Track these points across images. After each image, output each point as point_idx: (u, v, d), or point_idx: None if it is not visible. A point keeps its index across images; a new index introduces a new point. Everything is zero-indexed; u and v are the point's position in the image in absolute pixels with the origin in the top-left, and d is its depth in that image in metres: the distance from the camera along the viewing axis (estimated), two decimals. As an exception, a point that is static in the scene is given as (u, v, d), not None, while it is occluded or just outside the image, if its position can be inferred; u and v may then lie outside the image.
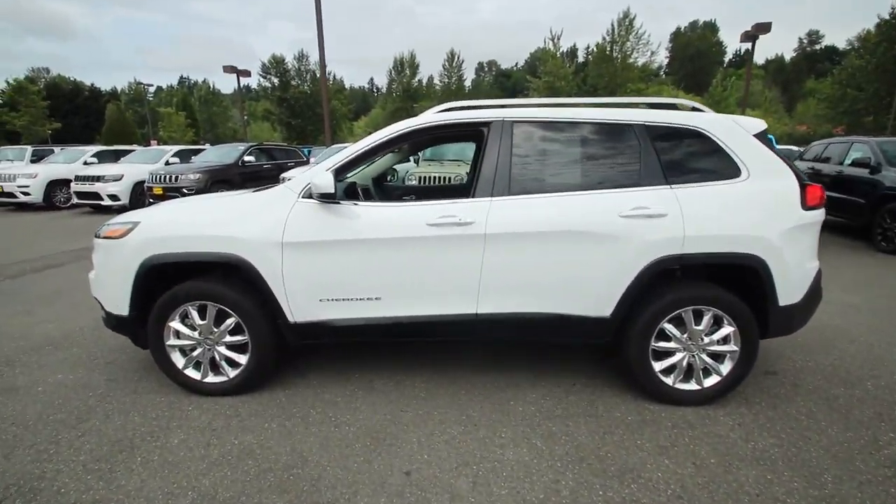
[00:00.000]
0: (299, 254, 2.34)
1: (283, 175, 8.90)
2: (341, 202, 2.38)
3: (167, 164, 11.40)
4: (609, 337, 2.44)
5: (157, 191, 9.78)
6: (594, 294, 2.37)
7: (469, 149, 10.23)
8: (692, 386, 2.47)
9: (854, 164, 7.32)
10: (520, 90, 57.82)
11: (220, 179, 10.12)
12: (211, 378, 2.55)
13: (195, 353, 2.54)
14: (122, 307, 2.48)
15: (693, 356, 2.44)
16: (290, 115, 41.23)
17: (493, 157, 2.39)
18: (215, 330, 2.49)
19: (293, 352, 2.95)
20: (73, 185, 10.72)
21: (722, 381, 2.45)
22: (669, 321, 2.39)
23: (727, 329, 2.39)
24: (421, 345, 3.22)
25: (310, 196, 2.37)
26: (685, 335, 2.41)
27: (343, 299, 2.41)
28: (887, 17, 28.53)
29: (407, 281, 2.38)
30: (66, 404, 2.52)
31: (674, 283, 2.43)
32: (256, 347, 2.47)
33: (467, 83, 51.91)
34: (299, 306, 2.41)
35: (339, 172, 2.45)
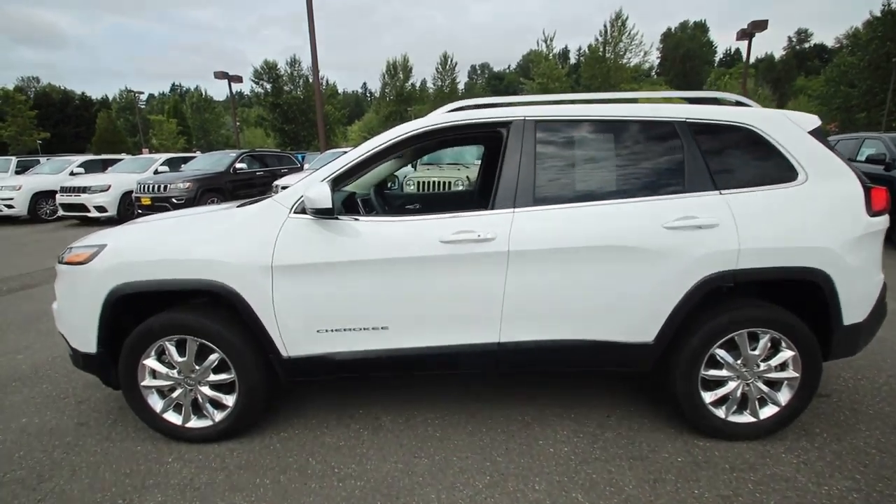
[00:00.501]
0: (292, 279, 2.02)
1: (276, 183, 8.57)
2: (340, 217, 2.06)
3: (156, 172, 11.02)
4: (651, 365, 2.13)
5: (146, 201, 9.42)
6: (635, 317, 2.06)
7: (468, 152, 9.98)
8: (747, 418, 2.16)
9: (868, 160, 7.09)
10: (512, 92, 57.81)
11: (211, 188, 9.77)
12: (194, 422, 2.21)
13: (175, 395, 2.20)
14: (89, 343, 2.14)
15: (748, 385, 2.14)
16: (284, 121, 40.88)
17: (514, 162, 2.08)
18: (197, 368, 2.16)
19: (287, 388, 2.62)
20: (58, 196, 10.32)
21: (780, 412, 2.15)
22: (721, 346, 2.09)
23: (786, 353, 2.09)
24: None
25: (303, 211, 2.05)
26: (739, 361, 2.11)
27: (345, 329, 2.08)
28: (878, 14, 28.65)
29: (419, 307, 2.06)
30: (28, 457, 2.17)
31: (726, 302, 2.12)
32: (244, 387, 2.14)
33: (461, 86, 51.75)
34: (294, 339, 2.09)
35: (337, 182, 2.13)
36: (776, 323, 2.04)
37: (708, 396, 2.14)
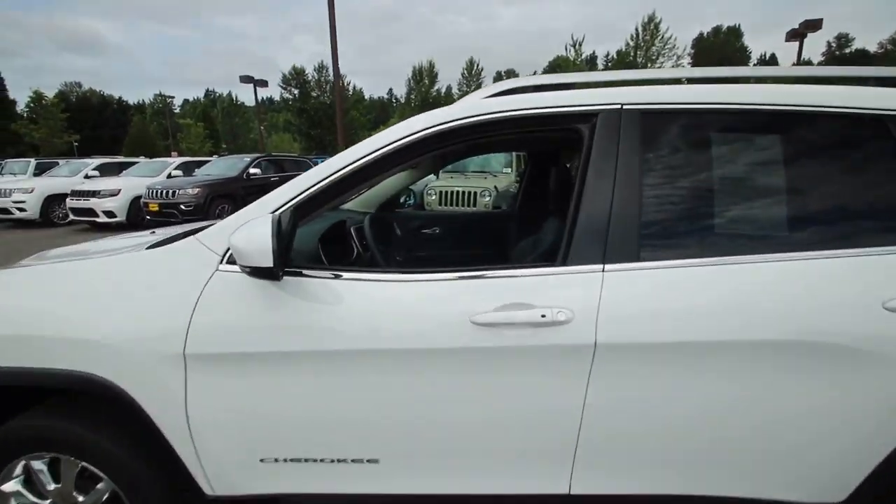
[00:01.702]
0: (220, 375, 1.20)
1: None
2: (307, 273, 1.22)
3: (169, 177, 10.59)
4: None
5: (153, 207, 8.93)
6: (816, 461, 1.15)
7: (494, 159, 8.96)
8: None
9: None
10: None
11: (222, 194, 9.22)
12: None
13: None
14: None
15: None
16: (310, 126, 41.04)
17: (604, 184, 1.19)
18: (80, 499, 1.35)
19: None
20: (68, 200, 9.99)
21: None
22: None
23: None
24: None
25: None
26: None
27: (307, 460, 1.24)
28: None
29: (431, 432, 1.21)
30: None
31: None
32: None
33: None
34: (223, 470, 1.26)
35: (307, 210, 1.29)
36: None
37: None
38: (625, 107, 1.23)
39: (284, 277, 1.18)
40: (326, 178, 1.26)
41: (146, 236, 1.73)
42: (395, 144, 1.27)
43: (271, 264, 1.07)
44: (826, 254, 1.13)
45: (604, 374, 1.14)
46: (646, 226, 1.17)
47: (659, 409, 1.15)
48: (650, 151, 1.21)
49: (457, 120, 1.26)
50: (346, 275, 1.24)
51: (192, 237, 1.29)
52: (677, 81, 1.37)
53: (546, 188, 2.20)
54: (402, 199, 3.05)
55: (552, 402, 1.17)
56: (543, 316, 1.12)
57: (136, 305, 1.22)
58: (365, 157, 1.25)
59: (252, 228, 1.08)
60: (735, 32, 73.51)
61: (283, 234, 1.16)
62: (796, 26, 18.15)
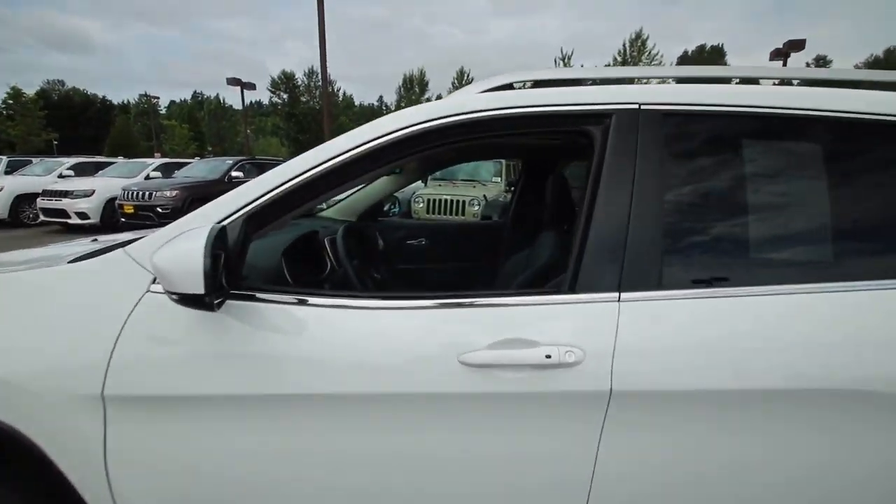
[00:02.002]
0: (147, 422, 0.97)
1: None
2: (263, 297, 1.00)
3: (148, 178, 10.21)
4: None
5: (128, 209, 8.55)
6: None
7: (484, 168, 8.81)
8: None
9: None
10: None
11: (202, 197, 8.84)
12: None
13: None
14: None
15: None
16: (298, 131, 40.64)
17: (619, 196, 1.00)
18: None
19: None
20: (39, 200, 9.53)
21: None
22: None
23: None
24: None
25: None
26: None
27: (256, 527, 1.01)
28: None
29: (408, 491, 0.99)
30: None
31: None
32: None
33: (477, 101, 51.07)
34: (150, 540, 1.02)
35: (259, 220, 1.06)
36: None
37: None
38: (643, 107, 1.05)
39: (233, 303, 0.96)
40: (288, 182, 1.04)
41: (83, 245, 1.48)
42: (362, 148, 1.05)
43: (201, 290, 0.84)
44: (872, 286, 0.95)
45: (620, 426, 0.94)
46: (669, 246, 0.99)
47: (687, 466, 0.96)
48: (673, 158, 1.03)
49: (447, 117, 1.06)
50: (312, 300, 1.02)
51: (120, 250, 1.06)
52: (703, 79, 1.19)
53: (544, 199, 2.01)
54: (386, 208, 2.83)
55: (557, 460, 0.97)
56: (549, 356, 0.92)
57: (44, 335, 0.98)
58: (325, 163, 1.04)
59: (179, 245, 0.86)
60: (719, 52, 75.57)
61: (231, 250, 0.94)
62: (779, 46, 18.59)
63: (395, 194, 2.71)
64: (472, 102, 1.07)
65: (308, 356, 0.96)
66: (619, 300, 0.95)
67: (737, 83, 1.42)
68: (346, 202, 2.53)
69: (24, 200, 10.32)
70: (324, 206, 2.53)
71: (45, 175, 11.05)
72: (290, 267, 1.46)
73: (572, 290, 0.97)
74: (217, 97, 63.81)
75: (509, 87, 1.15)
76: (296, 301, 1.01)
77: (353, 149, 1.05)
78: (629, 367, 0.92)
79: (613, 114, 1.04)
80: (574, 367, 0.92)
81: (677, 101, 1.05)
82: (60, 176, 11.05)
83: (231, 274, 0.95)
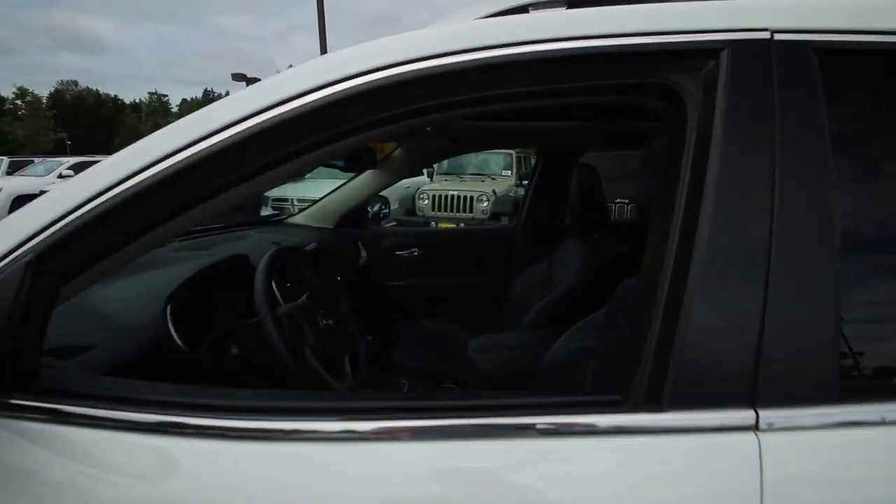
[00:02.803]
0: None
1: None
2: (71, 412, 0.53)
3: (61, 177, 10.14)
4: None
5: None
6: None
7: (493, 160, 8.12)
8: None
9: None
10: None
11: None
12: None
13: None
14: None
15: None
16: (306, 126, 40.59)
17: (746, 205, 0.50)
18: None
19: None
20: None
21: None
22: None
23: None
24: None
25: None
26: None
27: None
28: None
29: None
30: None
31: None
32: None
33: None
34: None
35: (68, 261, 0.56)
36: None
37: None
38: (777, 36, 0.54)
39: (15, 423, 0.50)
40: (125, 182, 0.56)
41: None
42: (276, 113, 0.57)
43: None
44: None
45: None
46: (855, 310, 0.49)
47: None
48: (845, 132, 0.53)
49: (421, 60, 0.56)
50: (189, 418, 0.53)
51: None
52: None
53: (567, 198, 1.51)
54: (375, 209, 2.36)
55: None
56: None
57: None
58: (197, 142, 0.56)
59: None
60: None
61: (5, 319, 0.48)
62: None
63: (382, 193, 2.21)
64: (472, 35, 0.57)
65: None
66: (756, 427, 0.46)
67: None
68: (321, 204, 2.07)
69: (23, 201, 10.13)
70: (293, 209, 2.06)
71: (46, 175, 11.01)
72: (183, 329, 0.90)
73: (657, 403, 0.48)
74: (227, 94, 64.12)
75: (524, 10, 0.65)
76: (154, 425, 0.53)
77: (251, 116, 0.56)
78: None
79: (724, 48, 0.54)
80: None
81: (843, 27, 0.55)
82: (60, 176, 10.90)
83: (16, 361, 0.49)
